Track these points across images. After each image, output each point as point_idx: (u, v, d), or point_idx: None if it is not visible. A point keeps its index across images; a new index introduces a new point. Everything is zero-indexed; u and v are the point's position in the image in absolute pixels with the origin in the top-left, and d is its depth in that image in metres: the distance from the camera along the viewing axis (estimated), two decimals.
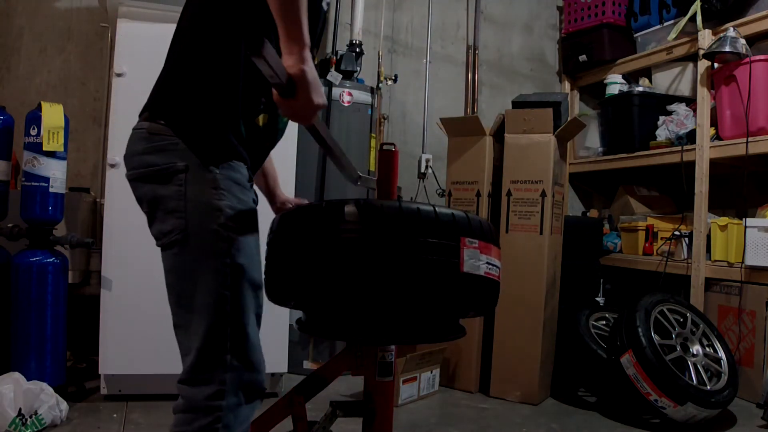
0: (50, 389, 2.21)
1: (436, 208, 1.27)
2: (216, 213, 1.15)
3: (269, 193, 1.64)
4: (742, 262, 2.91)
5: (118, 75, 2.52)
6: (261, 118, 1.26)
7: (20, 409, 2.09)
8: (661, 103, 3.58)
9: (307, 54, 1.07)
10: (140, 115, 1.26)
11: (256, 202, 1.32)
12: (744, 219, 2.94)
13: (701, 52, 3.21)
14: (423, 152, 3.86)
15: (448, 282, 1.25)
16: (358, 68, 3.35)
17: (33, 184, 2.38)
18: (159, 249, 1.21)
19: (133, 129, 1.26)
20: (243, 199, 1.20)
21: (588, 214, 4.14)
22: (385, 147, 1.48)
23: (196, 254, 1.15)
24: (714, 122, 3.20)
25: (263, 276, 1.29)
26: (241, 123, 1.23)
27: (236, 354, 1.14)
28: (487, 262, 1.31)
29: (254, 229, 1.22)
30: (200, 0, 1.29)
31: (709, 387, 2.48)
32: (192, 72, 1.23)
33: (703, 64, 3.24)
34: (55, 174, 2.41)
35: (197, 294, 1.15)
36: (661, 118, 3.53)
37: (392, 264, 1.22)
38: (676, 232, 3.37)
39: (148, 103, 1.27)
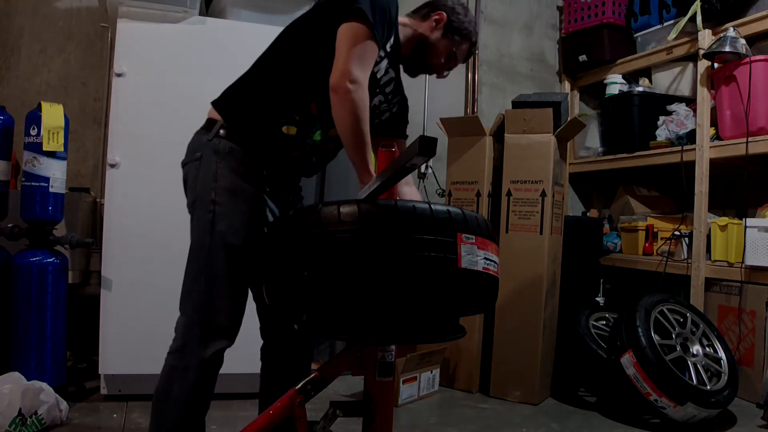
0: (50, 389, 2.21)
1: (432, 206, 1.27)
2: (209, 191, 1.52)
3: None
4: (742, 262, 2.91)
5: (118, 75, 2.52)
6: (290, 129, 1.58)
7: (20, 409, 2.09)
8: (661, 103, 3.58)
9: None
10: None
11: (283, 199, 1.66)
12: (744, 219, 2.94)
13: (701, 52, 3.21)
14: None
15: (446, 278, 1.25)
16: None
17: (33, 184, 2.38)
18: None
19: None
20: (239, 184, 1.54)
21: (588, 214, 4.14)
22: (385, 147, 1.49)
23: (195, 220, 1.55)
24: (714, 122, 3.20)
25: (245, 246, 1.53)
26: (269, 129, 1.58)
27: (205, 295, 1.48)
28: (485, 258, 1.31)
29: (242, 207, 1.53)
30: (283, 53, 1.63)
31: (709, 387, 2.48)
32: (251, 88, 1.62)
33: (703, 64, 3.24)
34: (55, 174, 2.41)
35: (190, 247, 1.54)
36: (661, 118, 3.53)
37: (390, 262, 1.22)
38: (676, 232, 3.37)
39: (213, 101, 1.65)
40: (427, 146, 1.07)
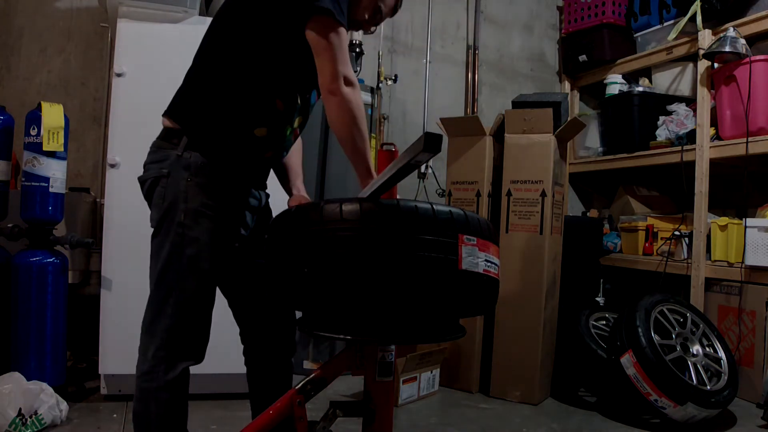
0: (50, 389, 2.21)
1: (434, 206, 1.27)
2: (179, 212, 1.46)
3: (288, 186, 1.78)
4: (742, 262, 2.91)
5: (118, 75, 2.52)
6: (262, 131, 1.52)
7: (20, 409, 2.09)
8: (661, 103, 3.58)
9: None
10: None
11: (256, 204, 1.62)
12: (744, 219, 2.94)
13: (701, 52, 3.21)
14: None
15: (446, 279, 1.25)
16: (359, 68, 3.35)
17: (33, 184, 2.38)
18: None
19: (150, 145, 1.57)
20: (208, 203, 1.47)
21: (588, 214, 4.14)
22: (385, 147, 1.49)
23: (161, 240, 1.48)
24: (714, 122, 3.20)
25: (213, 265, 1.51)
26: (241, 135, 1.51)
27: (173, 319, 1.46)
28: (486, 260, 1.30)
29: (212, 228, 1.48)
30: (228, 45, 1.53)
31: (709, 387, 2.48)
32: (209, 92, 1.52)
33: (703, 64, 3.24)
34: (55, 174, 2.41)
35: (156, 269, 1.48)
36: (661, 118, 3.53)
37: (390, 262, 1.22)
38: (676, 232, 3.37)
39: (165, 111, 1.57)
40: (432, 142, 1.06)
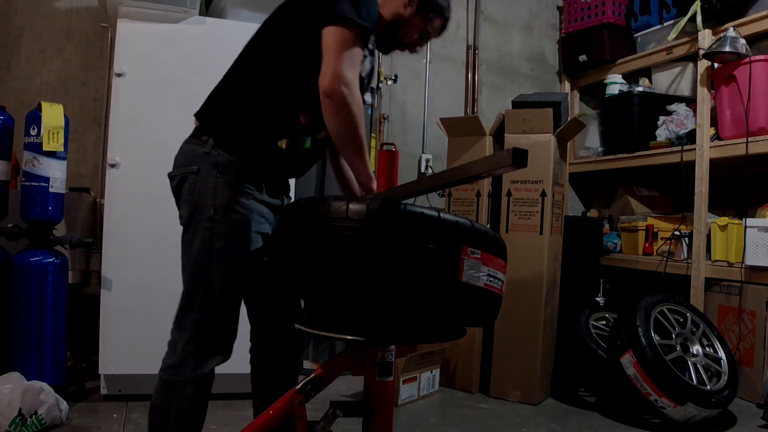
0: (50, 389, 2.21)
1: (441, 215, 1.25)
2: (208, 208, 1.49)
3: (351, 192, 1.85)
4: (742, 262, 2.91)
5: (118, 75, 2.52)
6: (283, 143, 1.56)
7: (20, 409, 2.09)
8: (661, 103, 3.58)
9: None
10: None
11: (278, 203, 1.64)
12: (744, 219, 2.94)
13: (701, 52, 3.21)
14: (423, 152, 3.86)
15: (444, 290, 1.23)
16: None
17: (33, 184, 2.38)
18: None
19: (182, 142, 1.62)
20: (236, 199, 1.51)
21: (588, 214, 4.14)
22: (385, 147, 1.49)
23: (191, 235, 1.51)
24: (714, 122, 3.20)
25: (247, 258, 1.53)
26: (265, 144, 1.55)
27: (201, 313, 1.48)
28: (489, 274, 1.28)
29: (240, 223, 1.51)
30: (267, 58, 1.57)
31: (709, 387, 2.48)
32: (237, 102, 1.56)
33: (703, 64, 3.23)
34: (55, 174, 2.41)
35: (189, 264, 1.52)
36: (661, 118, 3.53)
37: (388, 266, 1.21)
38: (676, 232, 3.37)
39: (196, 113, 1.61)
40: (520, 157, 1.00)
